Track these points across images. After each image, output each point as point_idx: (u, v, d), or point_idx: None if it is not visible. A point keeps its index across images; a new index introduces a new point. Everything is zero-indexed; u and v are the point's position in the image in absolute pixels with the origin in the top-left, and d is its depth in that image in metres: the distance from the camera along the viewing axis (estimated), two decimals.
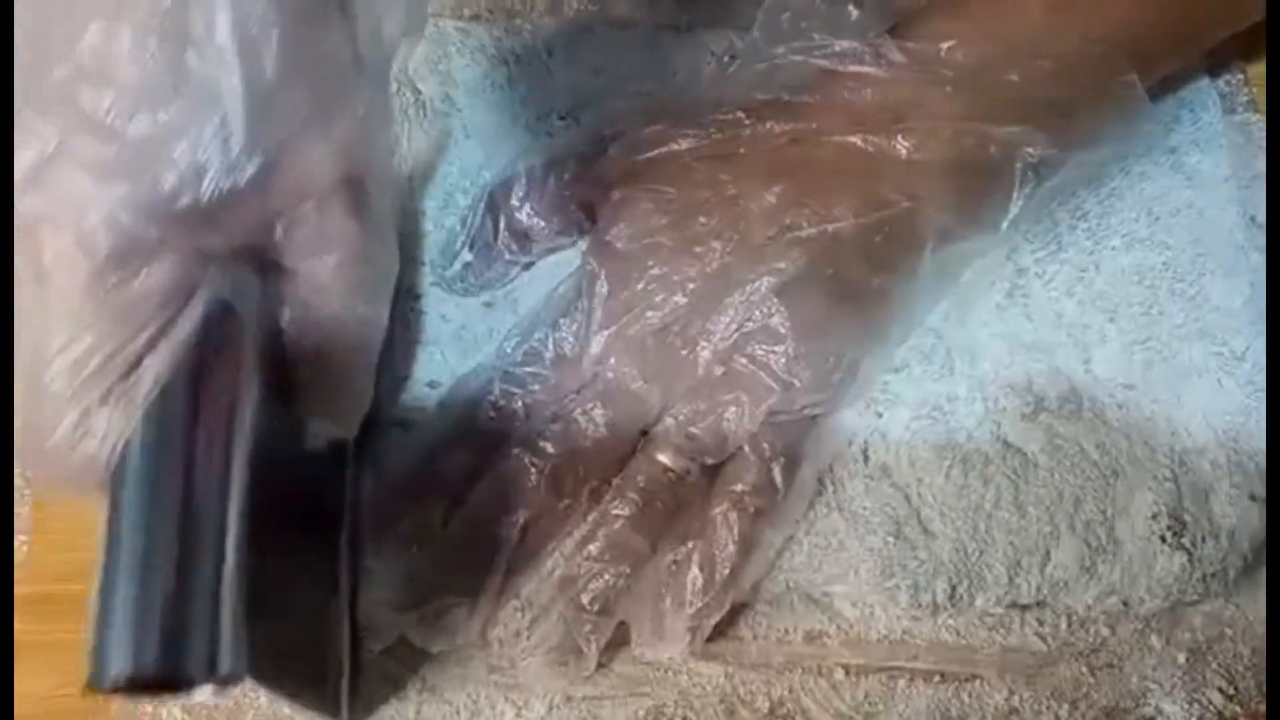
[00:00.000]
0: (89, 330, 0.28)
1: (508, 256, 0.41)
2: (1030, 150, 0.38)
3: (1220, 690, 0.38)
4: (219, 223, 0.28)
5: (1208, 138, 0.45)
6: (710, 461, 0.38)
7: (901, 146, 0.38)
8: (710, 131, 0.39)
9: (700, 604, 0.36)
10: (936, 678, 0.38)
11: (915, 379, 0.40)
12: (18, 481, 0.41)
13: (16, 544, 0.40)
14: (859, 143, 0.38)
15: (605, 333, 0.38)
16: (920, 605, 0.38)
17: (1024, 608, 0.39)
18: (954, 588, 0.37)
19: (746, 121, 0.39)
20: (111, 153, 0.27)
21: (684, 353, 0.38)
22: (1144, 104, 0.39)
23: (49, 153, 0.27)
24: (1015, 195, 0.38)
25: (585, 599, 0.36)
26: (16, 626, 0.39)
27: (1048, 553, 0.38)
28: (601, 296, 0.38)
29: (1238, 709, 0.38)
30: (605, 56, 0.46)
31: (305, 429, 0.33)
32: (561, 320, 0.39)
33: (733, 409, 0.37)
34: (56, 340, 0.28)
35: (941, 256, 0.39)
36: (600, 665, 0.38)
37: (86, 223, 0.27)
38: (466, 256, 0.41)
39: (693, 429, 0.37)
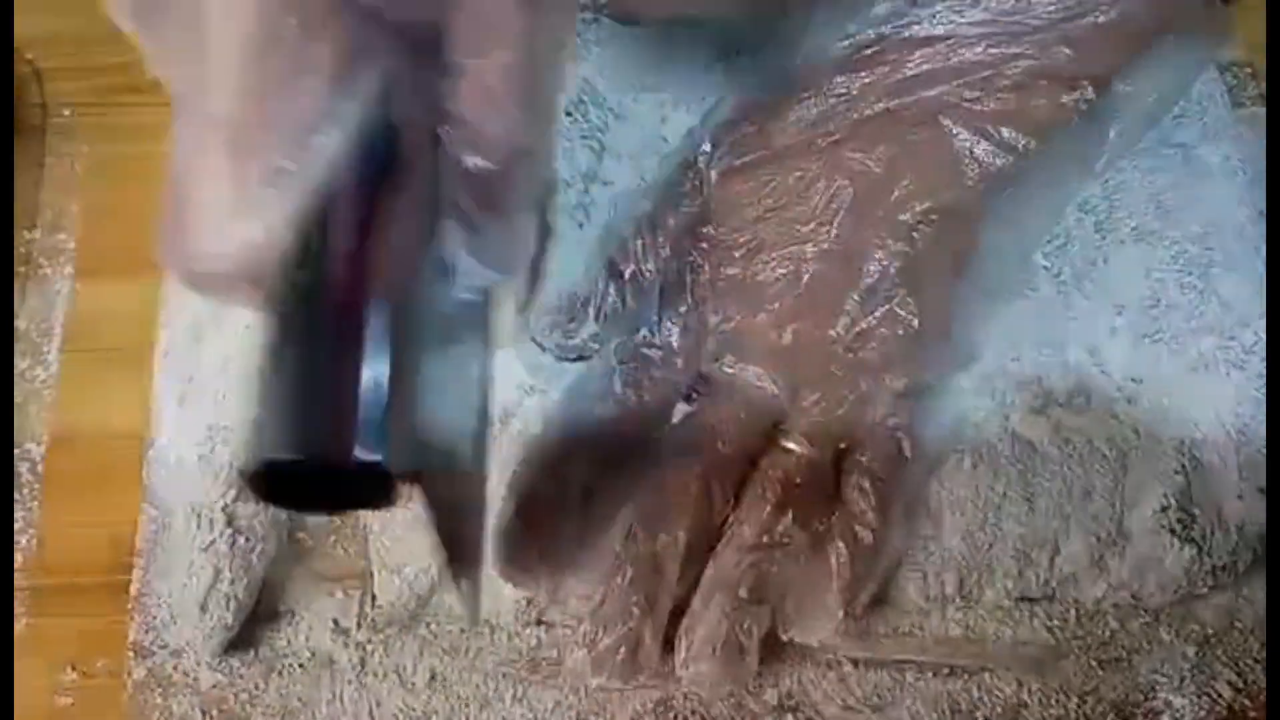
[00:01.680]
0: (253, 95, 0.24)
1: (635, 314, 0.39)
2: (1121, 88, 0.37)
3: (1229, 683, 0.38)
4: None
5: (1216, 131, 0.45)
6: (842, 445, 0.37)
7: (997, 102, 0.36)
8: (804, 114, 0.38)
9: (848, 576, 0.36)
10: (945, 671, 0.38)
11: None
12: (25, 476, 0.41)
13: (25, 538, 0.40)
14: (955, 101, 0.37)
15: (721, 329, 0.38)
16: (929, 598, 0.38)
17: (1033, 601, 0.39)
18: (963, 581, 0.37)
19: (838, 98, 0.38)
20: None
21: (809, 344, 0.37)
22: (1221, 18, 0.39)
23: None
24: (1111, 133, 0.38)
25: (743, 590, 0.35)
26: (24, 619, 0.39)
27: (1057, 546, 0.38)
28: (710, 290, 0.38)
29: (1247, 702, 0.38)
30: (612, 52, 0.45)
31: (453, 273, 0.29)
32: (667, 316, 0.38)
33: (864, 394, 0.37)
34: (217, 106, 0.24)
35: (1042, 202, 0.38)
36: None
37: None
38: (594, 327, 0.39)
39: (823, 418, 0.37)
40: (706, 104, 0.43)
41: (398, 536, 0.38)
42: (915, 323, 0.37)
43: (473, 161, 0.27)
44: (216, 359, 0.40)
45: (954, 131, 0.37)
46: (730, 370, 0.38)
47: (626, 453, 0.37)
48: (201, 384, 0.40)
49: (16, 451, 0.42)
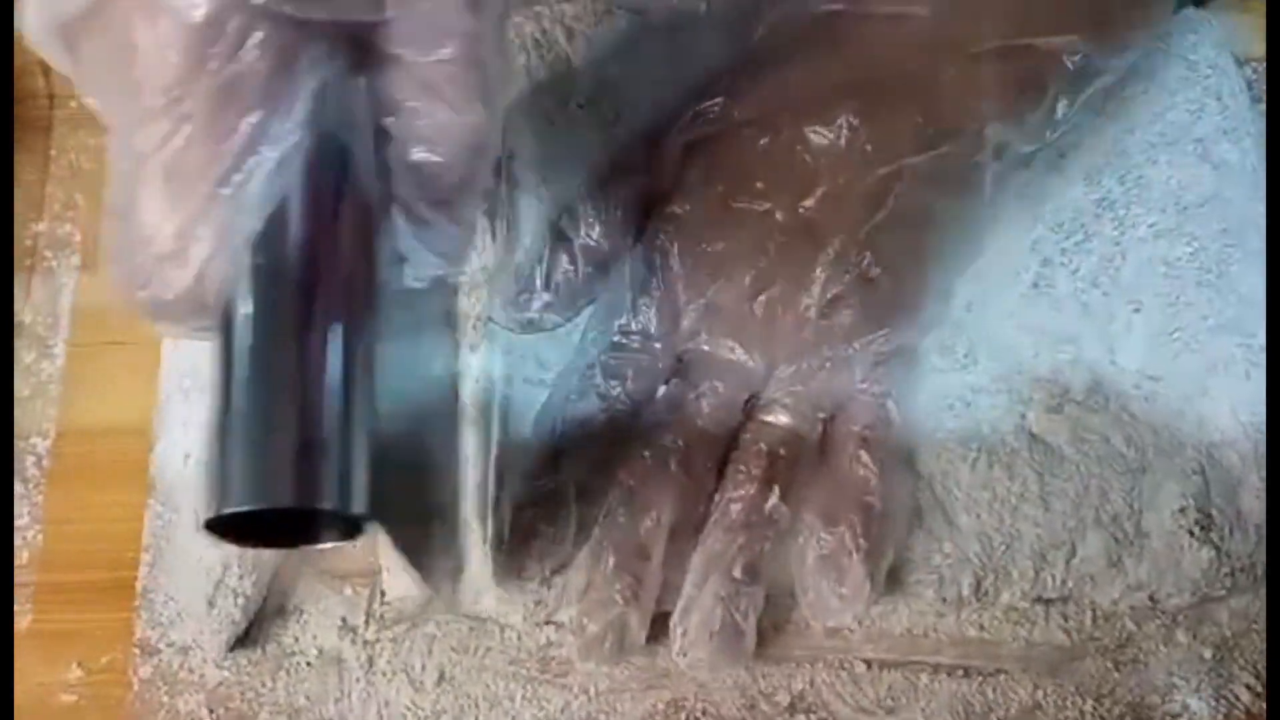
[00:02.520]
0: (187, 120, 0.24)
1: (591, 287, 0.40)
2: (1073, 58, 0.38)
3: (1248, 686, 0.37)
4: None
5: (1235, 126, 0.44)
6: (823, 415, 0.38)
7: (953, 68, 0.38)
8: (764, 89, 0.39)
9: (867, 545, 0.35)
10: (960, 672, 0.38)
11: (936, 368, 0.40)
12: (31, 470, 0.41)
13: (30, 533, 0.40)
14: (913, 69, 0.38)
15: (694, 306, 0.38)
16: (945, 600, 0.37)
17: (1048, 602, 0.38)
18: (979, 582, 0.37)
19: (798, 71, 0.39)
20: None
21: (781, 313, 0.37)
22: (1168, 5, 0.40)
23: None
24: (1063, 102, 0.39)
25: (736, 570, 0.35)
26: (29, 615, 0.39)
27: (1074, 547, 0.37)
28: (680, 270, 0.38)
29: (1265, 705, 0.37)
30: (625, 42, 0.45)
31: (402, 265, 0.30)
32: (640, 301, 0.39)
33: (841, 360, 0.37)
34: (150, 138, 0.24)
35: (997, 169, 0.39)
36: (617, 660, 0.38)
37: None
38: (546, 297, 0.39)
39: (800, 387, 0.37)
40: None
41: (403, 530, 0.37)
42: (885, 285, 0.37)
43: (418, 155, 0.27)
44: None
45: (910, 101, 0.37)
46: (706, 347, 0.38)
47: (619, 445, 0.37)
48: (209, 378, 0.40)
49: (23, 445, 0.41)
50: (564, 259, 0.39)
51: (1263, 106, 0.45)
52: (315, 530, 0.27)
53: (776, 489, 0.36)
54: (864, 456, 0.37)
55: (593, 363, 0.39)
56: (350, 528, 0.27)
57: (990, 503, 0.37)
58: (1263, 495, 0.38)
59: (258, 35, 0.24)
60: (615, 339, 0.39)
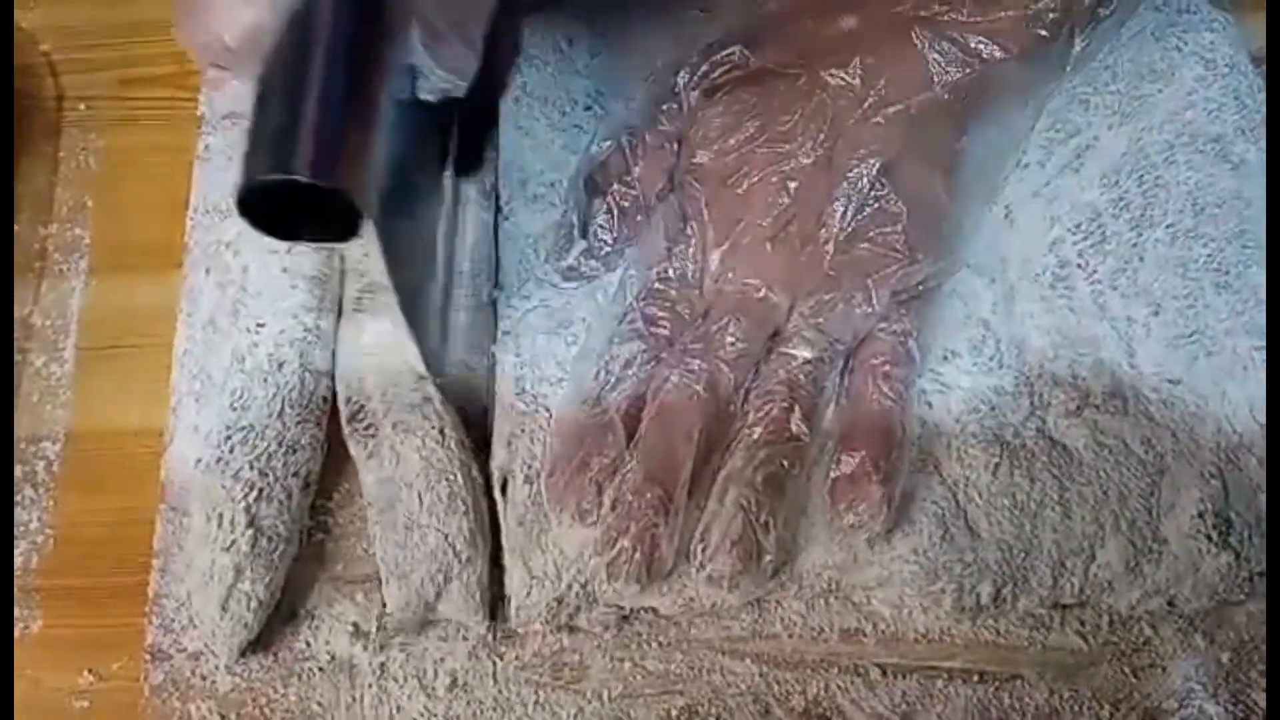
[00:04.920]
0: None
1: (625, 232, 0.41)
2: None
3: (1265, 691, 0.37)
4: None
5: (1253, 126, 0.44)
6: (842, 348, 0.39)
7: (964, 14, 0.39)
8: (780, 36, 0.40)
9: (885, 469, 0.36)
10: (975, 677, 0.38)
11: (966, 370, 0.40)
12: (41, 475, 0.41)
13: (40, 538, 0.40)
14: (925, 16, 0.39)
15: (719, 249, 0.39)
16: (964, 609, 0.37)
17: (1065, 607, 0.38)
18: (998, 590, 0.37)
19: (812, 19, 0.40)
20: None
21: (803, 250, 0.39)
22: None
23: None
24: (1078, 35, 0.39)
25: (758, 481, 0.36)
26: (40, 620, 0.39)
27: (1093, 552, 0.37)
28: (707, 215, 0.40)
29: (1266, 703, 0.37)
30: (626, 43, 0.45)
31: (415, 77, 0.34)
32: (675, 249, 0.40)
33: (859, 294, 0.38)
34: None
35: (1015, 107, 0.41)
36: (634, 663, 0.37)
37: None
38: (582, 244, 0.41)
39: (820, 320, 0.38)
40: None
41: (400, 541, 0.37)
42: (902, 219, 0.38)
43: None
44: (234, 358, 0.40)
45: (924, 42, 0.39)
46: (730, 287, 0.39)
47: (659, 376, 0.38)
48: (219, 382, 0.40)
49: (33, 450, 0.41)
50: (599, 208, 0.41)
51: None
52: (325, 226, 0.32)
53: (799, 410, 0.37)
54: (885, 388, 0.38)
55: (632, 307, 0.40)
56: (354, 222, 0.31)
57: (1011, 508, 0.37)
58: None
59: None
60: (654, 285, 0.40)
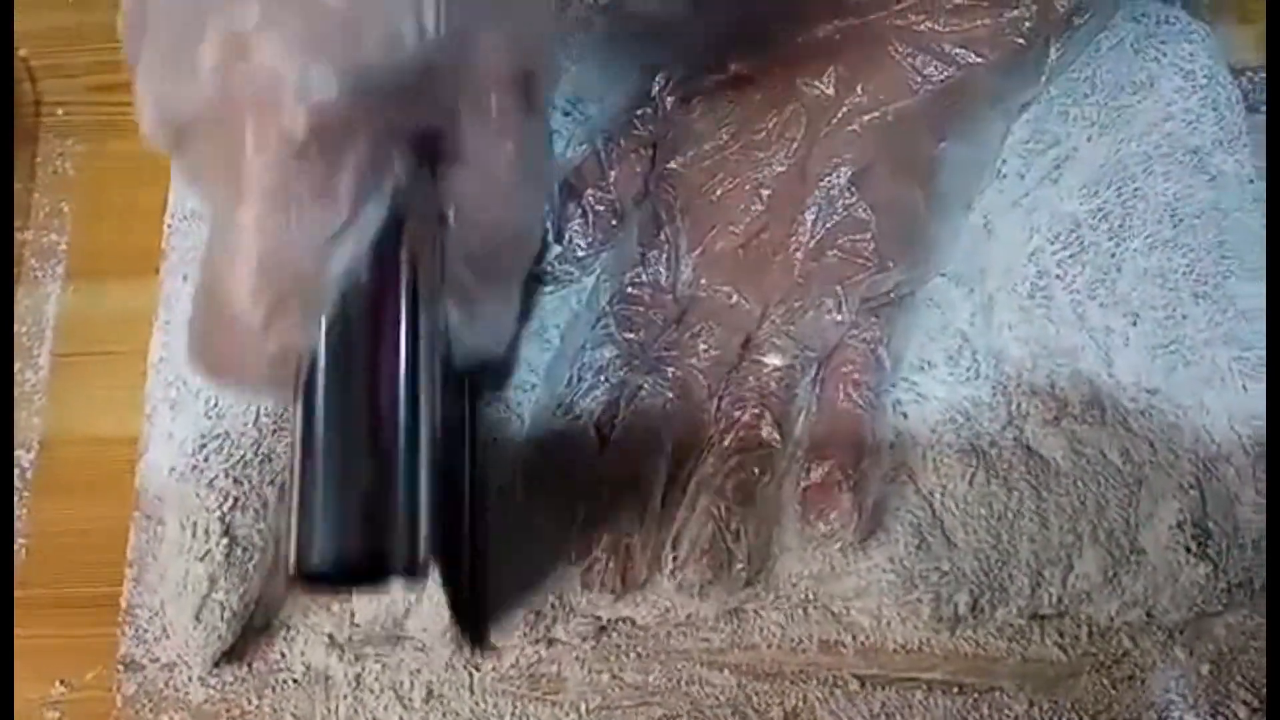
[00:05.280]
0: (284, 211, 0.26)
1: (600, 236, 0.41)
2: (1060, 4, 0.39)
3: (1245, 703, 0.37)
4: (408, 103, 0.28)
5: (1231, 137, 0.44)
6: (813, 355, 0.38)
7: (941, 23, 0.38)
8: (755, 44, 0.40)
9: (855, 478, 0.36)
10: (955, 689, 0.37)
11: (943, 380, 0.40)
12: (15, 482, 0.40)
13: (14, 546, 0.39)
14: (901, 24, 0.39)
15: (692, 255, 0.39)
16: (942, 618, 0.37)
17: (1044, 618, 0.38)
18: (976, 600, 0.37)
19: (787, 27, 0.40)
20: (314, 24, 0.26)
21: (774, 257, 0.39)
22: None
23: (249, 27, 0.26)
24: (1054, 43, 0.39)
25: (728, 489, 0.36)
26: (15, 630, 0.38)
27: (1070, 563, 0.37)
28: (681, 221, 0.40)
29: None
30: (608, 49, 0.45)
31: (453, 346, 0.32)
32: (649, 254, 0.40)
33: (829, 300, 0.38)
34: (248, 225, 0.27)
35: (991, 115, 0.41)
36: (612, 674, 0.37)
37: (287, 97, 0.26)
38: (556, 249, 0.41)
39: (791, 327, 0.38)
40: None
41: None
42: (873, 226, 0.38)
43: (474, 241, 0.30)
44: None
45: (900, 50, 0.39)
46: (703, 293, 0.39)
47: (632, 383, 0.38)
48: (195, 390, 0.39)
49: None
50: (575, 212, 0.41)
51: (1259, 117, 0.45)
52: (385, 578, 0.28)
53: (769, 416, 0.37)
54: (855, 395, 0.38)
55: (605, 313, 0.40)
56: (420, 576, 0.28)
57: (987, 519, 0.37)
58: (1260, 509, 0.38)
59: (352, 140, 0.27)
60: (627, 290, 0.40)
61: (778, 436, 0.37)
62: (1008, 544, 0.37)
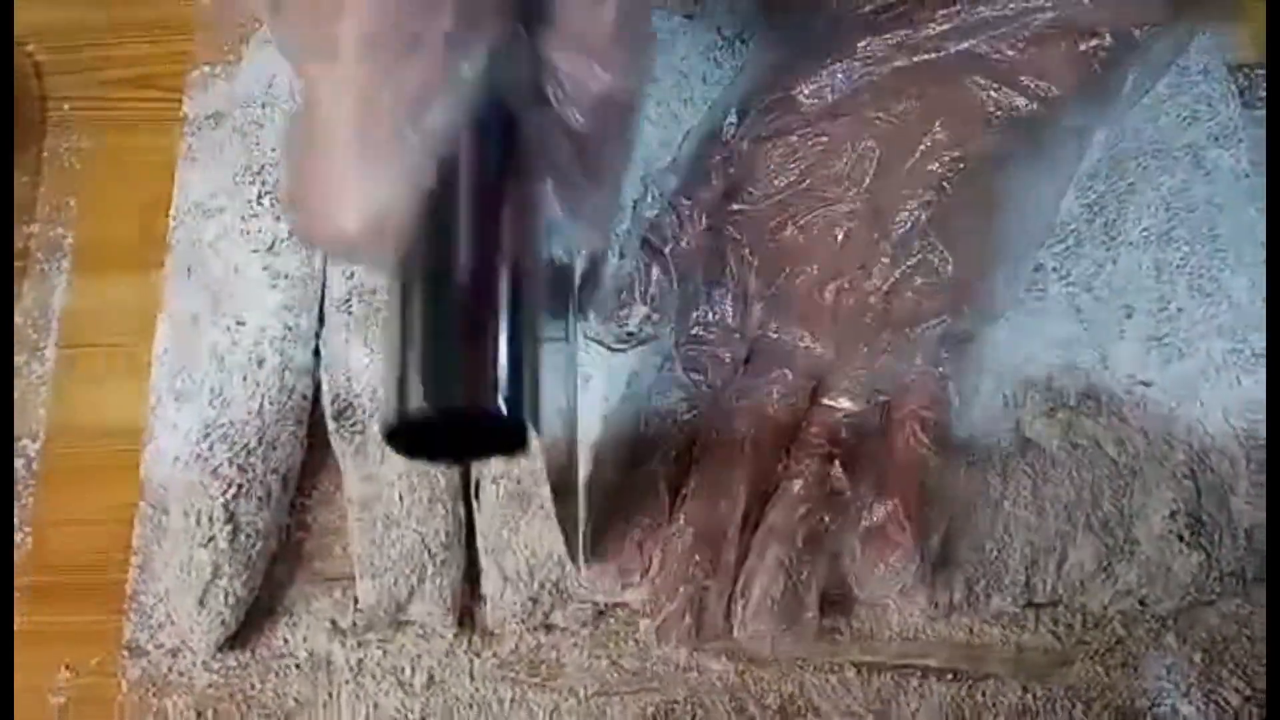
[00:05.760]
0: (380, 68, 0.25)
1: (681, 291, 0.39)
2: (1137, 31, 0.37)
3: (1237, 690, 0.37)
4: None
5: (1227, 133, 0.44)
6: (884, 398, 0.38)
7: (1018, 53, 0.37)
8: (829, 79, 0.39)
9: (917, 519, 0.36)
10: (950, 676, 0.38)
11: None
12: (20, 472, 0.41)
13: (19, 535, 0.40)
14: (978, 55, 0.37)
15: (764, 297, 0.39)
16: (937, 605, 0.37)
17: (1038, 606, 0.38)
18: (971, 587, 0.37)
19: (863, 61, 0.38)
20: None
21: (846, 300, 0.38)
22: None
23: None
24: (1130, 73, 0.38)
25: (798, 539, 0.35)
26: (17, 616, 0.39)
27: (1065, 552, 0.37)
28: (749, 262, 0.39)
29: (1255, 709, 0.37)
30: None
31: (551, 234, 0.31)
32: (714, 293, 0.39)
33: (903, 346, 0.37)
34: (344, 84, 0.26)
35: (1068, 147, 0.39)
36: (610, 660, 0.38)
37: None
38: (644, 310, 0.39)
39: (864, 372, 0.38)
40: (722, 74, 0.43)
41: (376, 539, 0.37)
42: (949, 269, 0.37)
43: (574, 117, 0.28)
44: (215, 356, 0.40)
45: (977, 83, 0.37)
46: (775, 335, 0.39)
47: (700, 433, 0.38)
48: (199, 380, 0.40)
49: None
50: (656, 271, 0.39)
51: (1255, 113, 0.45)
52: (488, 444, 0.28)
53: (838, 464, 0.36)
54: (920, 434, 0.37)
55: (670, 356, 0.39)
56: (514, 442, 0.28)
57: (984, 509, 0.37)
58: (1253, 500, 0.38)
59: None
60: (693, 331, 0.39)
61: (847, 483, 0.36)
62: (1004, 533, 0.37)
